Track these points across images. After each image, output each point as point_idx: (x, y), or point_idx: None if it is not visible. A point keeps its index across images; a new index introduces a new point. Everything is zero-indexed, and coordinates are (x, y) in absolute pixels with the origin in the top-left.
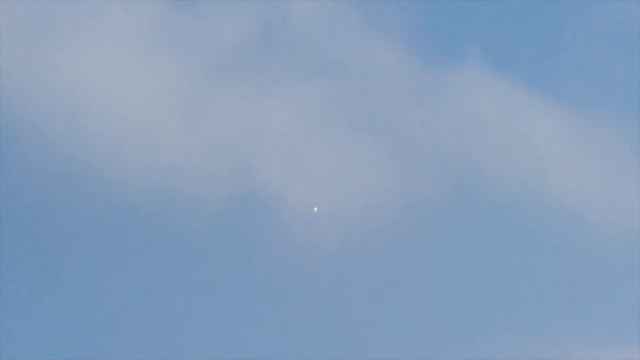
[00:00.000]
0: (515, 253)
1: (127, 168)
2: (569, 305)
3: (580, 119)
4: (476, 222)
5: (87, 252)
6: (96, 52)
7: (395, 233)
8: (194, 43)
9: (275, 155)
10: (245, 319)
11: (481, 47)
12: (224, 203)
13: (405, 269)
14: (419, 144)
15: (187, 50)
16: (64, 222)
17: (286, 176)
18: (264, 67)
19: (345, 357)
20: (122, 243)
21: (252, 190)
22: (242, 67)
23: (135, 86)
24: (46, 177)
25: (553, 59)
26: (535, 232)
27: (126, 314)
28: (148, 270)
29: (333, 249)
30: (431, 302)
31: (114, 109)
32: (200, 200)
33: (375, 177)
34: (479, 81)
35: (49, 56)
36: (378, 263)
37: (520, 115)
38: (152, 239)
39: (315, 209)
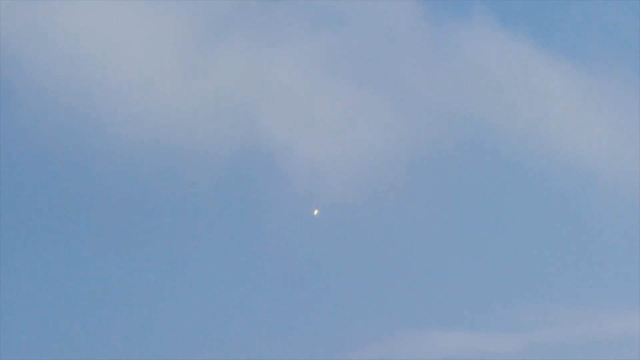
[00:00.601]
0: (523, 212)
1: (128, 123)
2: (577, 266)
3: (590, 75)
4: (484, 180)
5: (86, 208)
6: (96, 5)
7: (402, 189)
8: None
9: (279, 109)
10: (250, 276)
11: (489, 3)
12: (228, 158)
13: (411, 225)
14: (427, 100)
15: (189, 1)
16: (63, 178)
17: (291, 130)
18: (268, 19)
19: (352, 312)
20: (123, 200)
21: (256, 145)
22: (245, 19)
23: (136, 39)
24: (45, 132)
25: (562, 15)
26: (544, 190)
27: (128, 272)
28: (150, 228)
29: (339, 204)
30: (436, 259)
31: (114, 62)
32: (203, 155)
33: (381, 131)
34: (487, 37)
35: (48, 10)
36: (384, 218)
37: (529, 72)
38: (154, 195)
39: (316, 211)
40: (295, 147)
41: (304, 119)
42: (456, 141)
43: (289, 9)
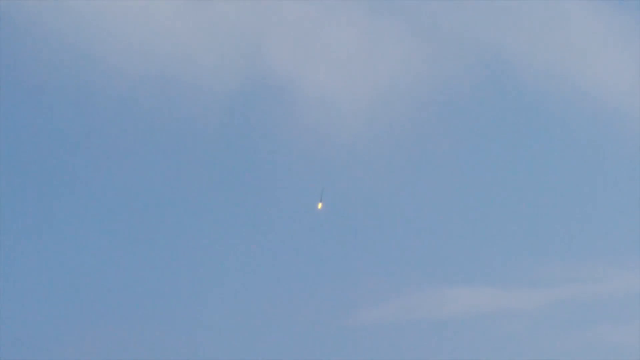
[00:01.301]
0: (547, 156)
1: (127, 55)
2: (605, 220)
3: (615, 7)
4: (506, 121)
5: (85, 142)
6: None
7: (418, 127)
8: None
9: (287, 39)
10: (257, 213)
11: None
12: (232, 91)
13: (428, 169)
14: (447, 31)
15: None
16: (62, 112)
17: (300, 61)
18: None
19: (373, 269)
20: (123, 137)
21: (263, 77)
22: None
23: None
24: (45, 65)
25: None
26: (568, 132)
27: (129, 209)
28: (152, 166)
29: (350, 141)
30: (457, 210)
31: None
32: (206, 89)
33: (397, 64)
34: None
35: None
36: (398, 157)
37: (553, 4)
38: (155, 132)
39: (320, 204)
40: (304, 80)
41: (314, 49)
42: (477, 77)
43: None
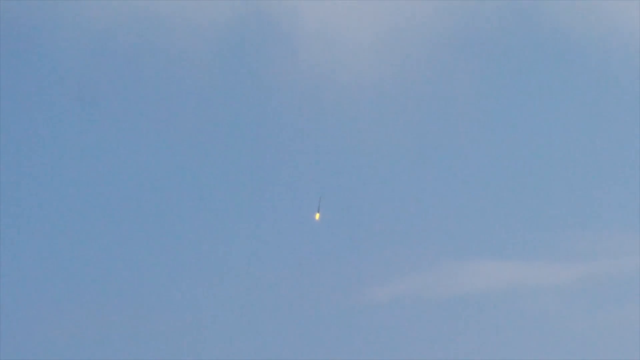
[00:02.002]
0: (578, 100)
1: None
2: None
3: None
4: (535, 56)
5: (69, 83)
6: None
7: (432, 65)
8: None
9: None
10: (254, 154)
11: None
12: (224, 25)
13: (441, 113)
14: None
15: None
16: (46, 52)
17: None
18: None
19: (395, 241)
20: (106, 75)
21: (257, 9)
22: None
23: None
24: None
25: None
26: (602, 70)
27: (122, 153)
28: (141, 107)
29: (354, 83)
30: (479, 175)
31: None
32: (195, 22)
33: None
34: None
35: None
36: (409, 102)
37: None
38: (145, 71)
39: (317, 215)
40: (303, 12)
41: None
42: (501, 10)
43: None
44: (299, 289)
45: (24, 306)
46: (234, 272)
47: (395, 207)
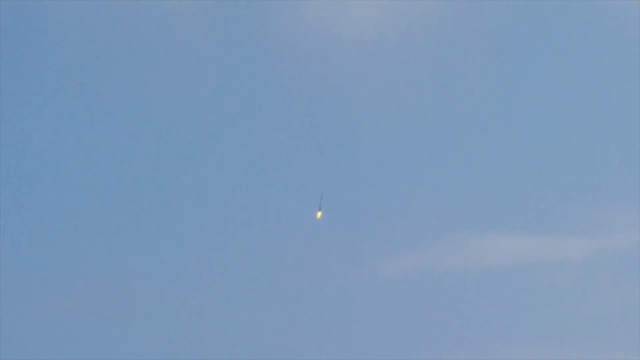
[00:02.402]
0: (600, 78)
1: None
2: None
3: None
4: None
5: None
6: None
7: (440, 16)
8: None
9: None
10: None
11: None
12: None
13: (457, 71)
14: None
15: None
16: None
17: None
18: None
19: (405, 213)
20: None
21: None
22: None
23: None
24: None
25: None
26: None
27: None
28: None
29: (361, 39)
30: (483, 118)
31: None
32: None
33: None
34: None
35: None
36: (419, 60)
37: None
38: (142, 35)
39: (319, 213)
40: None
41: None
42: None
43: None
44: (307, 265)
45: (23, 305)
46: (241, 243)
47: (405, 178)
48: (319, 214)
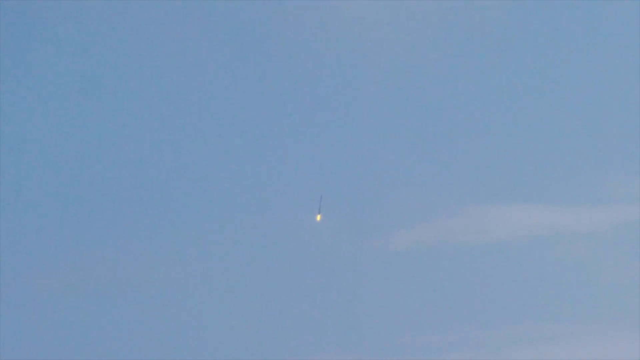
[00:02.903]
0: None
1: None
2: None
3: None
4: None
5: None
6: None
7: None
8: None
9: None
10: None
11: None
12: None
13: (474, 32)
14: None
15: None
16: None
17: None
18: None
19: (416, 182)
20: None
21: None
22: None
23: None
24: None
25: None
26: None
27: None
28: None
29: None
30: (498, 87)
31: None
32: None
33: None
34: None
35: None
36: (428, 14)
37: None
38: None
39: (318, 216)
40: None
41: None
42: None
43: None
44: (315, 240)
45: (13, 284)
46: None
47: (418, 148)
48: (319, 217)
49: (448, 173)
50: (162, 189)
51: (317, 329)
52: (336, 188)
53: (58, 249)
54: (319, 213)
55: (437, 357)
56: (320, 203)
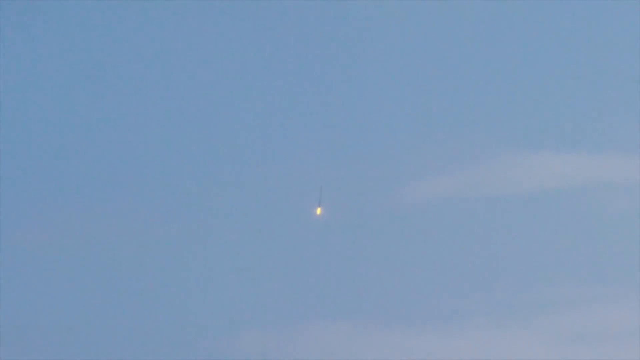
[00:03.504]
0: None
1: None
2: None
3: None
4: None
5: None
6: None
7: None
8: None
9: None
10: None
11: None
12: None
13: None
14: None
15: None
16: None
17: None
18: None
19: (441, 128)
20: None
21: None
22: None
23: None
24: None
25: None
26: None
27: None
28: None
29: None
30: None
31: None
32: None
33: None
34: None
35: None
36: None
37: None
38: None
39: (318, 210)
40: None
41: None
42: None
43: None
44: (327, 191)
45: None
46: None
47: (443, 90)
48: (319, 210)
49: (478, 119)
50: (162, 181)
51: (329, 296)
52: (350, 134)
53: (54, 203)
54: (319, 206)
55: (458, 323)
56: (321, 195)
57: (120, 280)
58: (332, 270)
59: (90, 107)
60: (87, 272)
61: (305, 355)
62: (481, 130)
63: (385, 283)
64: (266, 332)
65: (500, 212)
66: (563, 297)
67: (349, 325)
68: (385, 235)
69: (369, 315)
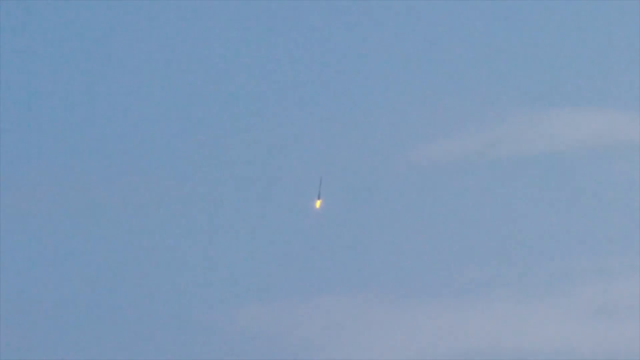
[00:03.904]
0: None
1: None
2: None
3: None
4: None
5: None
6: None
7: None
8: None
9: None
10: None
11: None
12: None
13: None
14: None
15: None
16: None
17: None
18: None
19: (459, 88)
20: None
21: None
22: None
23: None
24: None
25: None
26: None
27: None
28: None
29: None
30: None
31: None
32: None
33: None
34: None
35: None
36: None
37: None
38: None
39: (318, 203)
40: None
41: None
42: None
43: None
44: (331, 155)
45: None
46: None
47: (454, 50)
48: (318, 203)
49: (493, 75)
50: (164, 174)
51: (347, 265)
52: (367, 91)
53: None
54: (318, 199)
55: (478, 294)
56: (320, 187)
57: (120, 254)
58: (340, 240)
59: (92, 104)
60: (86, 245)
61: (313, 329)
62: (495, 88)
63: (395, 254)
64: (269, 306)
65: (518, 174)
66: (582, 268)
67: (359, 297)
68: (394, 201)
69: (380, 288)
